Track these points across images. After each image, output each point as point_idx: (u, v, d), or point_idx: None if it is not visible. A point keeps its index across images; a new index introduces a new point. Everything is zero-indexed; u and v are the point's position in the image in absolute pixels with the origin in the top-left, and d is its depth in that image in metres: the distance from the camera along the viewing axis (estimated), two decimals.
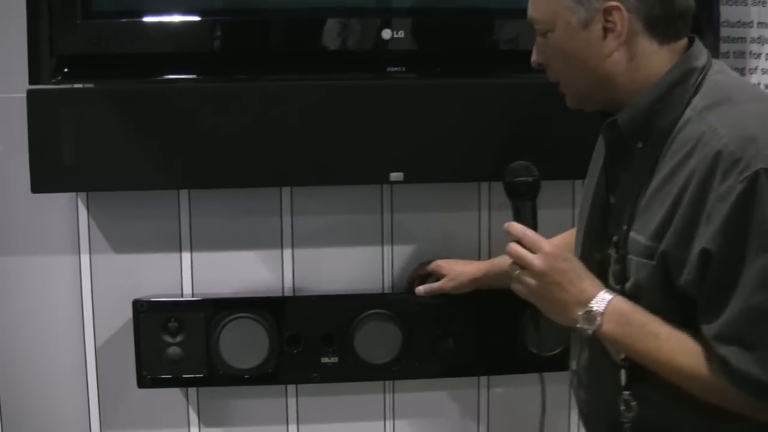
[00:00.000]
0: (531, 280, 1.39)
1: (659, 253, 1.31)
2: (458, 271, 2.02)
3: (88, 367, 2.14)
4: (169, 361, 2.04)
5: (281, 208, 2.14)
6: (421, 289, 2.06)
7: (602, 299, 1.35)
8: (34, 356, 2.13)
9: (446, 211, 2.19)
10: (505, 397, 2.28)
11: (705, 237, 1.26)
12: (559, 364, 2.13)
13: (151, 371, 2.05)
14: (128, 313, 2.10)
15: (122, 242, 2.12)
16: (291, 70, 2.00)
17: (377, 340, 2.09)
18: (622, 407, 1.39)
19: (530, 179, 1.50)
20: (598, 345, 1.44)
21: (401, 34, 1.97)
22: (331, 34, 2.01)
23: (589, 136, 2.00)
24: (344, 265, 2.18)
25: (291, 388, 2.20)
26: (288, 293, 2.16)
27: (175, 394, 2.17)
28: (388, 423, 2.25)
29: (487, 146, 2.03)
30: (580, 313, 1.35)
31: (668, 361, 1.33)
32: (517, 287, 1.43)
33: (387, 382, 2.22)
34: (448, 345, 2.11)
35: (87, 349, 2.13)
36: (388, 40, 1.96)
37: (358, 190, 2.14)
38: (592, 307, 1.34)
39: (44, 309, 2.11)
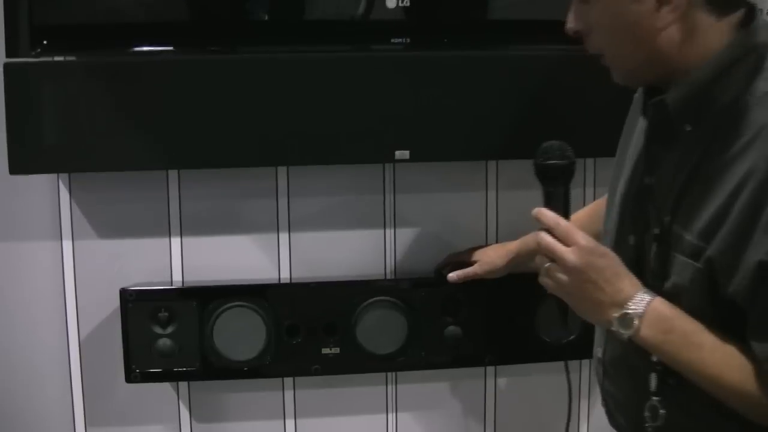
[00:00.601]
0: (563, 276, 1.27)
1: (706, 257, 1.21)
2: (489, 254, 1.93)
3: (71, 361, 2.03)
4: (160, 354, 1.93)
5: (277, 190, 2.04)
6: (453, 275, 1.95)
7: (641, 301, 1.24)
8: (14, 349, 2.01)
9: (451, 191, 2.10)
10: (511, 387, 2.20)
11: (764, 247, 1.15)
12: (572, 352, 2.05)
13: (141, 365, 1.94)
14: (114, 302, 1.99)
15: (107, 227, 2.00)
16: (289, 40, 1.89)
17: (381, 329, 1.99)
18: (647, 413, 1.31)
19: (565, 162, 1.35)
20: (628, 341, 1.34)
21: (406, 2, 1.87)
22: (331, 3, 1.91)
23: (604, 112, 1.94)
24: (344, 249, 2.08)
25: (288, 380, 2.10)
26: (284, 280, 2.06)
27: (164, 388, 2.06)
28: (390, 416, 2.16)
29: (496, 122, 1.93)
30: (616, 315, 1.24)
31: (713, 375, 1.23)
32: (545, 281, 1.31)
33: (389, 373, 2.13)
34: (456, 333, 2.01)
35: (70, 341, 2.02)
36: (392, 9, 1.86)
37: (358, 170, 2.04)
38: (629, 309, 1.24)
39: (24, 299, 2.00)
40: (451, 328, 2.02)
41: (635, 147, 1.40)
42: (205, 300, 1.95)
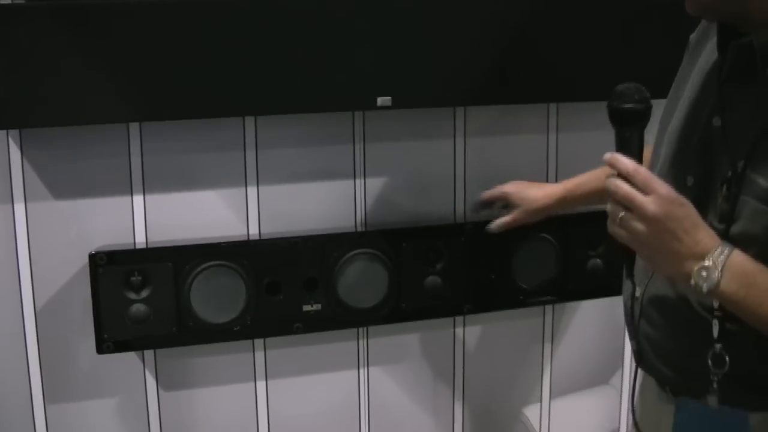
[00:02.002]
0: (640, 226, 1.22)
1: None
2: (530, 198, 1.91)
3: (27, 333, 1.91)
4: (133, 321, 1.86)
5: (245, 141, 1.98)
6: (493, 226, 1.93)
7: (721, 253, 1.23)
8: None
9: (420, 139, 2.09)
10: (478, 336, 2.24)
11: None
12: (546, 297, 2.17)
13: (113, 334, 1.86)
14: (72, 268, 1.91)
15: (63, 187, 1.89)
16: None
17: (362, 282, 1.99)
18: (710, 361, 1.32)
19: (641, 106, 1.31)
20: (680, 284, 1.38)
21: None
22: None
23: (592, 58, 2.01)
24: (313, 201, 2.04)
25: (258, 342, 2.06)
26: (253, 236, 2.01)
27: (129, 357, 1.97)
28: (362, 371, 2.16)
29: (476, 68, 1.94)
30: (695, 268, 1.22)
31: None
32: (618, 231, 1.27)
33: (361, 328, 2.13)
34: (435, 284, 2.04)
35: (25, 311, 1.90)
36: None
37: (327, 119, 2.00)
38: (709, 261, 1.22)
39: None
40: (431, 278, 2.04)
41: (694, 87, 1.42)
42: (181, 261, 1.88)
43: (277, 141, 2.00)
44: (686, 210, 1.24)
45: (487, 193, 2.00)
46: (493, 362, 2.28)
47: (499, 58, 1.97)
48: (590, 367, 2.38)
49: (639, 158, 1.29)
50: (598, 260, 2.16)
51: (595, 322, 2.34)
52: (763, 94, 1.28)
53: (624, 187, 1.24)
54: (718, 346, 1.31)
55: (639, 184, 1.23)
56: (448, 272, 2.04)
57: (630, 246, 1.28)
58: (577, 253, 2.15)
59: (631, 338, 1.55)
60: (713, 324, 1.31)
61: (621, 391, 2.39)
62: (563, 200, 1.89)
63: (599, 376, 2.39)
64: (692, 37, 1.51)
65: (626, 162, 1.25)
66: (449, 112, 2.10)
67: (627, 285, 1.54)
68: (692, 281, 1.22)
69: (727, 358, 1.30)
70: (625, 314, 1.57)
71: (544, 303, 2.21)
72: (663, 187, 1.23)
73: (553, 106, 2.19)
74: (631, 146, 1.30)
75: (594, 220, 2.09)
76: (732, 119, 1.32)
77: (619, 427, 2.41)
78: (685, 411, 1.39)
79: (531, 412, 2.33)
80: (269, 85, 1.84)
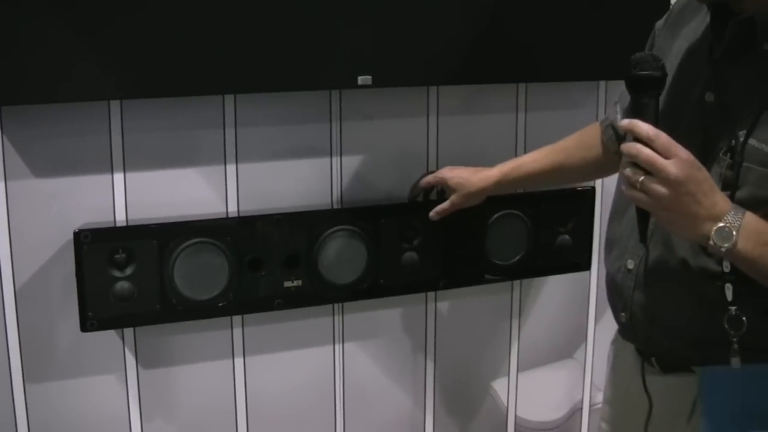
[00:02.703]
0: (662, 189, 1.27)
1: None
2: (467, 182, 1.98)
3: (6, 312, 1.91)
4: (118, 298, 1.88)
5: (224, 119, 2.00)
6: (432, 213, 2.02)
7: (736, 214, 1.30)
8: None
9: (395, 117, 2.14)
10: (449, 310, 2.31)
11: None
12: (520, 272, 2.26)
13: (97, 312, 1.87)
14: (53, 246, 1.92)
15: (43, 164, 1.89)
16: None
17: (342, 259, 2.04)
18: (727, 325, 1.37)
19: (658, 73, 1.37)
20: (680, 251, 1.44)
21: None
22: None
23: (559, 40, 2.09)
24: (290, 179, 2.08)
25: (237, 318, 2.09)
26: (232, 213, 2.04)
27: (108, 335, 1.99)
28: (337, 347, 2.22)
29: (454, 46, 2.01)
30: (713, 229, 1.29)
31: None
32: (637, 195, 1.32)
33: (336, 304, 2.18)
34: (412, 259, 2.10)
35: (5, 290, 1.90)
36: None
37: (305, 97, 2.04)
38: (726, 222, 1.29)
39: None
40: (408, 254, 2.10)
41: (677, 68, 1.50)
42: (165, 238, 1.90)
43: (256, 119, 2.03)
44: (704, 173, 1.31)
45: (425, 180, 2.08)
46: (464, 337, 2.35)
47: (474, 38, 2.03)
48: (556, 342, 2.47)
49: (655, 125, 1.33)
50: (566, 237, 2.24)
51: (562, 298, 2.43)
52: (763, 67, 1.36)
53: (646, 150, 1.29)
54: (733, 308, 1.37)
55: (659, 148, 1.29)
56: (424, 248, 2.11)
57: (649, 209, 1.34)
58: (546, 230, 2.23)
59: (620, 311, 1.62)
60: (726, 288, 1.37)
61: (585, 364, 2.49)
62: (499, 183, 1.97)
63: (564, 350, 2.49)
64: (658, 24, 1.59)
65: (647, 127, 1.30)
66: (423, 92, 2.16)
67: (617, 259, 1.62)
68: (711, 242, 1.30)
69: (744, 319, 1.37)
70: (613, 287, 1.64)
71: (515, 278, 2.29)
72: (683, 151, 1.29)
73: (522, 86, 2.26)
74: (648, 112, 1.34)
75: (564, 197, 2.20)
76: (727, 93, 1.41)
77: (582, 399, 2.50)
78: (709, 377, 1.43)
79: (499, 385, 2.41)
80: (250, 64, 1.88)
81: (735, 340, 1.37)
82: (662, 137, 1.29)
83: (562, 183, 2.09)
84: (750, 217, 1.31)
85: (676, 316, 1.50)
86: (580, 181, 2.18)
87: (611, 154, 1.78)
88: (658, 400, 1.57)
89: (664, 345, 1.54)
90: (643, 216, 1.39)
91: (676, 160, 1.28)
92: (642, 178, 1.30)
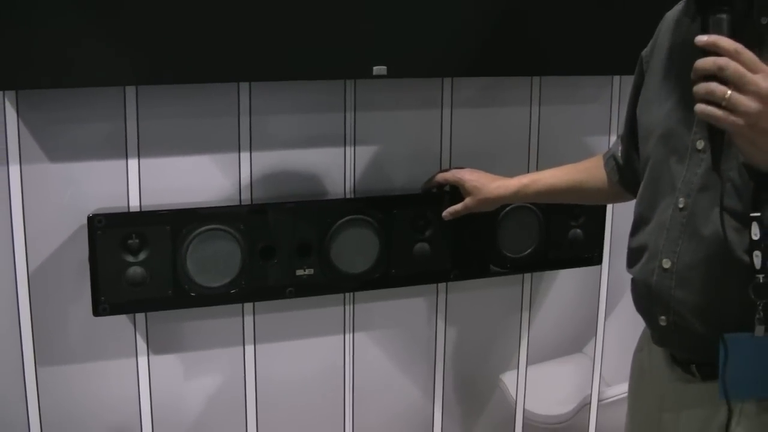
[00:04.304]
0: (753, 103, 1.19)
1: None
2: (484, 188, 1.98)
3: (19, 295, 1.91)
4: (130, 284, 1.88)
5: (239, 107, 2.00)
6: (446, 213, 2.03)
7: None
8: None
9: (409, 109, 2.14)
10: (460, 302, 2.30)
11: None
12: (531, 265, 2.25)
13: (110, 296, 1.87)
14: (66, 231, 1.92)
15: (59, 149, 1.89)
16: None
17: (354, 248, 2.04)
18: (752, 293, 1.34)
19: None
20: (715, 237, 1.40)
21: None
22: None
23: (574, 33, 2.08)
24: (305, 168, 2.07)
25: (248, 306, 2.09)
26: (245, 201, 2.04)
27: (120, 320, 1.99)
28: (347, 336, 2.21)
29: (470, 38, 2.00)
30: None
31: None
32: (718, 113, 1.21)
33: (347, 294, 2.18)
34: (424, 250, 2.09)
35: (18, 274, 1.90)
36: None
37: (320, 86, 2.04)
38: None
39: None
40: (420, 245, 2.10)
41: (674, 53, 1.50)
42: (178, 224, 1.90)
43: (269, 107, 2.02)
44: None
45: (441, 175, 2.08)
46: (474, 329, 2.34)
47: (489, 31, 2.02)
48: (566, 336, 2.45)
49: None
50: (578, 231, 2.23)
51: (572, 292, 2.42)
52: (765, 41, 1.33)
53: (734, 64, 1.20)
54: (760, 276, 1.33)
55: (746, 62, 1.21)
56: (436, 239, 2.10)
57: (732, 129, 1.24)
58: (559, 224, 2.22)
59: (660, 315, 1.53)
60: (754, 256, 1.33)
61: (594, 359, 2.48)
62: (516, 194, 1.96)
63: (574, 344, 2.47)
64: (644, 52, 1.61)
65: (729, 42, 1.22)
66: (437, 83, 2.15)
67: (648, 263, 1.54)
68: None
69: None
70: (647, 292, 1.56)
71: (526, 271, 2.28)
72: None
73: (536, 80, 2.25)
74: (722, 29, 1.27)
75: None
76: None
77: (591, 393, 2.49)
78: (733, 343, 1.40)
79: (508, 378, 2.41)
80: (265, 52, 1.87)
81: (761, 307, 1.34)
82: (747, 52, 1.21)
83: (578, 201, 2.06)
84: None
85: (709, 302, 1.45)
86: (597, 202, 2.17)
87: (614, 185, 1.79)
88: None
89: (713, 343, 1.46)
90: (716, 139, 1.30)
91: (764, 74, 1.20)
92: (729, 93, 1.20)
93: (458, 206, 2.02)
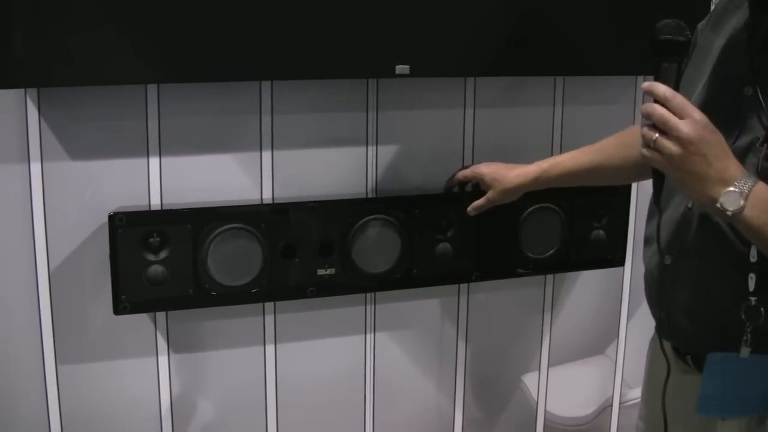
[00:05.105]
0: (674, 147, 1.28)
1: None
2: (503, 179, 1.96)
3: (40, 293, 1.89)
4: (151, 282, 1.86)
5: (261, 106, 1.98)
6: (470, 209, 2.00)
7: (746, 181, 1.29)
8: None
9: (431, 108, 2.11)
10: (483, 303, 2.28)
11: None
12: (552, 266, 2.22)
13: (131, 295, 1.85)
14: (87, 229, 1.91)
15: (80, 147, 1.87)
16: None
17: (376, 248, 2.01)
18: (744, 314, 1.38)
19: (681, 39, 1.36)
20: (717, 243, 1.42)
21: None
22: None
23: (598, 33, 2.05)
24: (326, 167, 2.05)
25: (269, 305, 2.07)
26: (267, 200, 2.01)
27: (140, 319, 1.97)
28: (368, 336, 2.19)
29: (493, 38, 1.97)
30: (722, 191, 1.29)
31: None
32: (651, 154, 1.32)
33: (369, 294, 2.15)
34: (446, 251, 2.06)
35: (39, 272, 1.89)
36: None
37: (342, 86, 2.01)
38: (735, 187, 1.28)
39: None
40: (442, 245, 2.07)
41: (717, 62, 1.48)
42: (199, 223, 1.88)
43: (293, 106, 2.00)
44: (718, 137, 1.30)
45: (462, 173, 2.06)
46: (495, 330, 2.31)
47: (513, 30, 2.00)
48: (588, 338, 2.42)
49: (676, 89, 1.34)
50: (601, 232, 2.20)
51: (594, 294, 2.39)
52: None
53: (661, 109, 1.30)
54: (753, 299, 1.38)
55: (675, 108, 1.29)
56: (458, 240, 2.07)
57: (661, 168, 1.35)
58: (581, 224, 2.19)
59: (657, 308, 1.59)
60: (749, 278, 1.38)
61: (616, 361, 2.45)
62: (536, 180, 1.95)
63: (596, 346, 2.44)
64: (701, 25, 1.56)
65: (663, 88, 1.31)
66: (460, 83, 2.12)
67: (654, 255, 1.58)
68: (718, 204, 1.29)
69: (762, 310, 1.37)
70: (651, 284, 1.60)
71: (548, 272, 2.25)
72: (697, 113, 1.29)
73: (559, 80, 2.22)
74: (668, 76, 1.35)
75: (599, 192, 2.16)
76: (766, 85, 1.37)
77: (612, 396, 2.46)
78: (714, 361, 1.44)
79: (529, 380, 2.38)
80: (287, 50, 1.84)
81: (749, 329, 1.38)
82: (678, 98, 1.30)
83: (600, 183, 2.04)
84: (761, 186, 1.30)
85: (704, 307, 1.48)
86: (619, 182, 2.13)
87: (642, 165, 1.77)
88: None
89: (699, 340, 1.50)
90: (658, 178, 1.40)
91: (689, 120, 1.28)
92: (656, 136, 1.30)
93: (481, 201, 1.99)
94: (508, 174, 1.96)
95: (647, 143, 1.32)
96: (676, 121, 1.28)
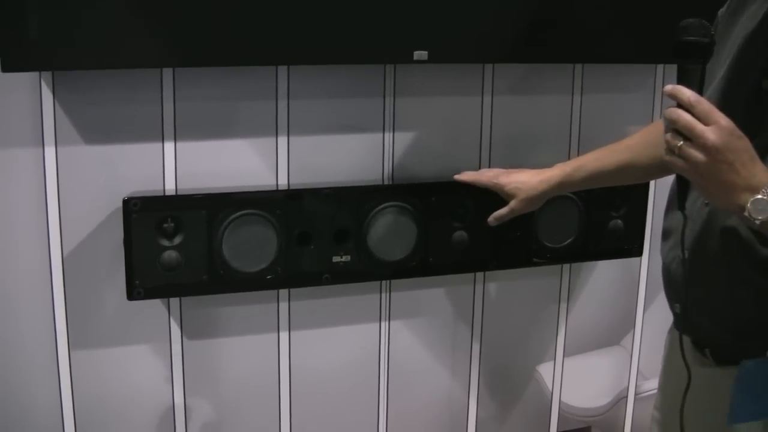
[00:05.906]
0: (699, 155, 1.23)
1: None
2: (526, 186, 1.90)
3: (53, 278, 1.87)
4: (165, 268, 1.84)
5: (277, 91, 1.94)
6: (492, 219, 1.95)
7: None
8: None
9: (449, 95, 2.07)
10: (497, 292, 2.25)
11: None
12: (570, 256, 2.18)
13: (144, 280, 1.83)
14: (101, 214, 1.88)
15: (94, 131, 1.84)
16: None
17: (392, 235, 1.99)
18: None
19: (705, 40, 1.31)
20: (736, 242, 1.38)
21: None
22: None
23: (618, 21, 2.01)
24: (342, 153, 2.02)
25: (283, 292, 2.04)
26: (282, 186, 1.98)
27: (154, 304, 1.95)
28: (383, 324, 2.16)
29: (512, 25, 1.94)
30: (750, 199, 1.24)
31: None
32: (675, 160, 1.28)
33: (384, 282, 2.12)
34: (462, 239, 2.04)
35: (52, 256, 1.86)
36: None
37: (359, 71, 1.98)
38: (763, 194, 1.24)
39: (2, 211, 1.83)
40: (458, 233, 2.04)
41: (733, 54, 1.42)
42: (214, 209, 1.85)
43: (309, 91, 1.96)
44: (744, 143, 1.25)
45: (480, 181, 1.99)
46: (511, 319, 2.28)
47: (531, 16, 1.96)
48: (603, 328, 2.40)
49: (700, 92, 1.29)
50: (618, 222, 2.16)
51: (611, 284, 2.36)
52: None
53: (686, 116, 1.25)
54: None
55: (700, 114, 1.24)
56: (474, 228, 2.04)
57: (686, 176, 1.31)
58: (599, 214, 2.15)
59: (676, 302, 1.54)
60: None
61: (632, 352, 2.41)
62: (561, 185, 1.89)
63: (612, 336, 2.41)
64: (721, 12, 1.51)
65: (688, 92, 1.26)
66: (478, 70, 2.08)
67: (672, 249, 1.54)
68: (746, 213, 1.24)
69: None
70: (668, 277, 1.56)
71: (565, 262, 2.22)
72: (723, 119, 1.24)
73: (578, 68, 2.18)
74: (692, 79, 1.29)
75: None
76: None
77: (628, 387, 2.43)
78: (747, 367, 1.39)
79: (544, 370, 2.35)
80: (304, 35, 1.81)
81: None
82: (703, 103, 1.24)
83: (625, 182, 1.98)
84: None
85: (731, 310, 1.44)
86: (645, 180, 2.10)
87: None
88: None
89: (717, 336, 1.47)
90: (682, 183, 1.36)
91: (715, 127, 1.23)
92: (681, 143, 1.25)
93: (504, 210, 1.94)
94: (530, 181, 1.90)
95: (671, 150, 1.27)
96: (702, 129, 1.24)
